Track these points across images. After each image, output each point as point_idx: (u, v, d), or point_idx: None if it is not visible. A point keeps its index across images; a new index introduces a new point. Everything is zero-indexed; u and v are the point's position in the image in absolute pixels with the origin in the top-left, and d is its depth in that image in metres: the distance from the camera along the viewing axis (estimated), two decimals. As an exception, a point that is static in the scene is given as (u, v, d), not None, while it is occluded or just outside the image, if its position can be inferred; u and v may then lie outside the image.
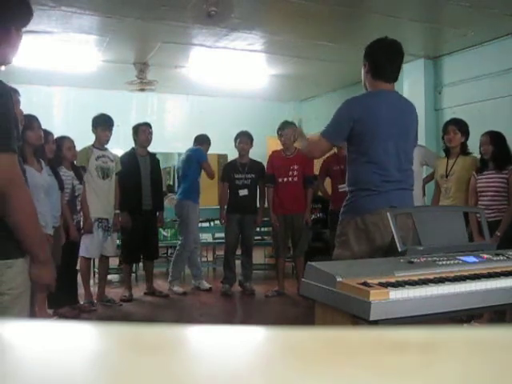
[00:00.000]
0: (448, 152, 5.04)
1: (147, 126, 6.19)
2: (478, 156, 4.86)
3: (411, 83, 7.97)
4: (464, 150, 4.94)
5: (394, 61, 3.14)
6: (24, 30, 2.00)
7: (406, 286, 2.07)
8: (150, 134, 6.16)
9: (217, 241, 8.24)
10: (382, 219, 2.93)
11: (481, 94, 6.99)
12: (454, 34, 6.63)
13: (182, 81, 8.99)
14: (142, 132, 6.10)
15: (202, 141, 6.59)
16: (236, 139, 6.41)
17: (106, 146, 5.78)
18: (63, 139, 5.20)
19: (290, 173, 5.99)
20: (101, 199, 5.58)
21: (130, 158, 6.04)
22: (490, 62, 6.88)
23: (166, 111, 10.40)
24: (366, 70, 3.15)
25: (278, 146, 6.27)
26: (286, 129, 5.98)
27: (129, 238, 5.99)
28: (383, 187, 2.99)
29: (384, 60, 3.10)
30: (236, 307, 6.26)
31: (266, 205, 6.42)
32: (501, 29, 6.43)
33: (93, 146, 5.71)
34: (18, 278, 1.86)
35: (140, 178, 5.98)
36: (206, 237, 8.38)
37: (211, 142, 6.69)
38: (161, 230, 7.66)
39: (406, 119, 3.18)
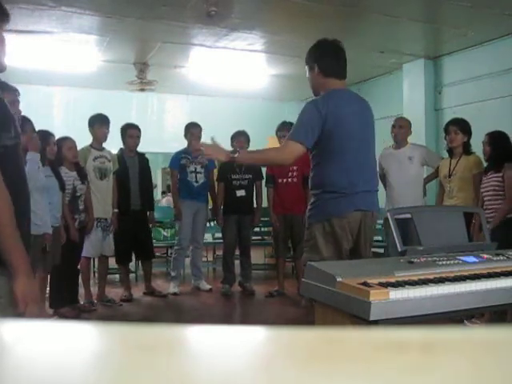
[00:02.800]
0: (451, 152, 5.03)
1: (135, 128, 6.13)
2: (481, 155, 4.86)
3: (411, 83, 7.99)
4: (467, 150, 4.93)
5: (340, 58, 3.18)
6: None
7: (406, 286, 2.07)
8: (138, 137, 6.11)
9: (217, 241, 8.24)
10: (348, 223, 2.95)
11: (481, 93, 7.00)
12: (454, 33, 6.63)
13: (181, 81, 9.00)
14: (130, 137, 6.04)
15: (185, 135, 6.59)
16: (232, 139, 6.40)
17: (103, 146, 5.78)
18: (64, 140, 5.21)
19: (290, 173, 5.98)
20: (99, 199, 5.59)
21: (118, 159, 6.00)
22: (491, 62, 6.88)
23: (165, 111, 10.40)
24: (315, 73, 3.14)
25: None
26: (285, 129, 5.97)
27: (119, 238, 5.96)
28: (350, 189, 2.98)
29: (333, 58, 3.15)
30: (236, 307, 6.26)
31: (265, 205, 6.41)
32: (501, 28, 6.43)
33: (91, 146, 5.71)
34: (8, 286, 1.72)
35: (128, 179, 5.95)
36: (206, 237, 8.37)
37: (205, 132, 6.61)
38: (161, 229, 7.66)
39: (366, 117, 3.18)
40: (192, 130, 6.45)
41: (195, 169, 6.37)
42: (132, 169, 6.04)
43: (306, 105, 3.09)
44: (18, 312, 1.73)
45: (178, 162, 6.39)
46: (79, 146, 5.45)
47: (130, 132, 6.08)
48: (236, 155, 3.02)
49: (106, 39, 6.83)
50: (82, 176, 5.30)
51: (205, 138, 6.61)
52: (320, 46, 3.19)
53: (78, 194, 5.24)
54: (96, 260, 6.19)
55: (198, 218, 6.44)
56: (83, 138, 5.68)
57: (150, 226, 6.48)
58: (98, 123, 5.69)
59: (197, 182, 6.38)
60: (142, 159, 6.22)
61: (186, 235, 6.39)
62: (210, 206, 6.65)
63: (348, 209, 2.96)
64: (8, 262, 1.70)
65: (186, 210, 6.30)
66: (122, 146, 6.17)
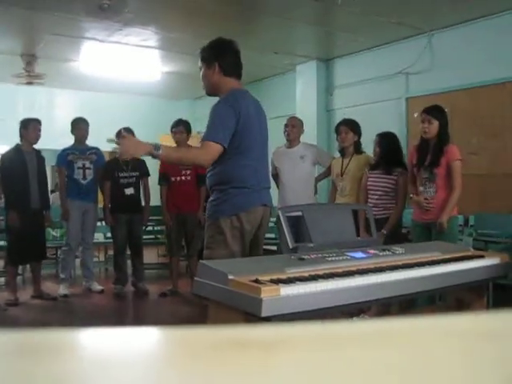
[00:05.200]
0: (343, 152, 5.18)
1: (37, 122, 5.91)
2: (371, 155, 5.05)
3: (304, 84, 8.19)
4: (357, 149, 5.10)
5: (239, 57, 3.21)
6: None
7: (297, 282, 2.12)
8: (40, 130, 5.90)
9: (108, 241, 8.05)
10: (255, 218, 3.03)
11: (370, 96, 7.31)
12: (346, 38, 6.88)
13: (72, 75, 8.71)
14: (32, 129, 5.82)
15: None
16: (118, 136, 6.26)
17: None
18: None
19: (183, 171, 5.95)
20: None
21: (17, 155, 5.75)
22: (378, 67, 7.20)
23: (55, 106, 10.02)
24: (214, 71, 3.13)
25: (172, 144, 6.20)
26: (180, 126, 5.96)
27: (16, 237, 5.69)
28: (257, 186, 3.07)
29: (233, 58, 3.17)
30: (129, 308, 6.15)
31: (158, 203, 6.34)
32: (388, 36, 6.75)
33: None
34: None
35: (27, 176, 5.71)
36: (98, 236, 8.16)
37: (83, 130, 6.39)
38: (50, 229, 7.37)
39: (263, 117, 3.28)
40: (79, 125, 6.29)
41: (83, 165, 6.20)
42: (31, 166, 5.78)
43: (217, 104, 3.07)
44: None
45: (65, 159, 6.19)
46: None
47: (33, 123, 5.85)
48: (160, 152, 2.85)
49: (-11, 29, 6.49)
50: None
51: (94, 134, 6.46)
52: (220, 45, 3.18)
53: None
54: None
55: (87, 218, 6.28)
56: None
57: (47, 225, 6.23)
58: None
59: (85, 178, 6.21)
60: (39, 156, 5.97)
61: (74, 236, 6.21)
62: (101, 204, 6.48)
63: (255, 203, 3.04)
64: None
65: (74, 211, 6.12)
66: (18, 142, 5.87)
